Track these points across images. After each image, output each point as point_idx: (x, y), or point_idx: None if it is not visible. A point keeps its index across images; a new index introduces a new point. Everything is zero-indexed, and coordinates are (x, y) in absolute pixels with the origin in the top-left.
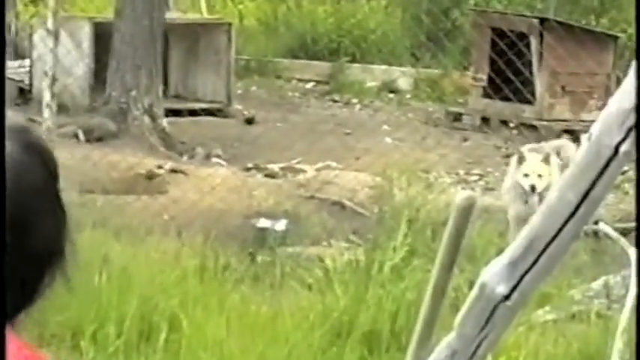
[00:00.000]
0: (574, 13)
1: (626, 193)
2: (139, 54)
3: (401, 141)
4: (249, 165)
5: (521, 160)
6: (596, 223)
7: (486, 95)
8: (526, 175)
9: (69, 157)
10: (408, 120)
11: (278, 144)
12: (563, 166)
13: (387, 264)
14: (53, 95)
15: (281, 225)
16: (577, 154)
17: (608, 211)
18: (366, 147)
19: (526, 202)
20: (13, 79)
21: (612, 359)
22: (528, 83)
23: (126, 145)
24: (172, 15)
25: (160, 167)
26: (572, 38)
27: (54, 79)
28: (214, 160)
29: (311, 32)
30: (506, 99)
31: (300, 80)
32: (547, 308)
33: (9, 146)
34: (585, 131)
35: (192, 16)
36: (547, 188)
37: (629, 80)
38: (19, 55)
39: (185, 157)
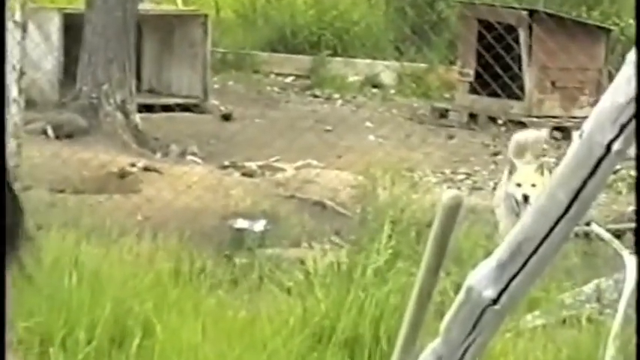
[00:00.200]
0: (564, 5)
1: (619, 192)
2: (111, 47)
3: (384, 138)
4: (226, 163)
5: (512, 169)
6: (587, 224)
7: (473, 91)
8: (518, 185)
9: (37, 154)
10: (392, 116)
11: (256, 141)
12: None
13: (369, 267)
14: (21, 90)
15: (259, 226)
16: (568, 151)
17: (600, 211)
18: (349, 144)
19: (518, 214)
20: None
21: None
22: (517, 78)
23: (97, 142)
24: (146, 6)
25: (132, 165)
26: (562, 31)
27: (21, 74)
28: (189, 157)
29: (290, 24)
30: (494, 95)
31: (279, 75)
32: (536, 313)
33: None
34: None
35: (166, 8)
36: None
37: (622, 75)
38: None
39: (159, 155)
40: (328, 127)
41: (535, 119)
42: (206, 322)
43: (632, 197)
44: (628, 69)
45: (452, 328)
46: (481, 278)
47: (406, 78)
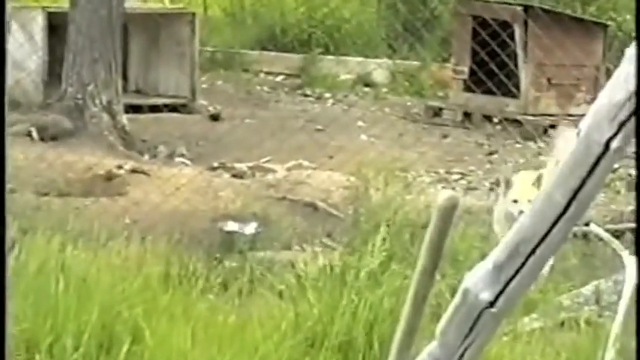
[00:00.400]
0: (560, 1)
1: (618, 192)
2: (97, 46)
3: (377, 138)
4: (216, 164)
5: (508, 184)
6: (586, 224)
7: (468, 89)
8: (515, 202)
9: (22, 157)
10: (385, 115)
11: (246, 142)
12: None
13: (363, 269)
14: None
15: (250, 228)
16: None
17: (598, 211)
18: (340, 144)
19: None
20: None
21: None
22: (512, 76)
23: (83, 144)
24: (132, 4)
25: (119, 167)
26: (558, 27)
27: None
28: (178, 159)
29: (280, 22)
30: (488, 92)
31: (269, 73)
32: (533, 315)
33: None
34: (573, 126)
35: (153, 6)
36: None
37: (621, 71)
38: None
39: (147, 157)
40: (319, 127)
41: (531, 117)
42: (196, 327)
43: (631, 197)
44: (626, 65)
45: (448, 331)
46: (477, 280)
47: (399, 76)
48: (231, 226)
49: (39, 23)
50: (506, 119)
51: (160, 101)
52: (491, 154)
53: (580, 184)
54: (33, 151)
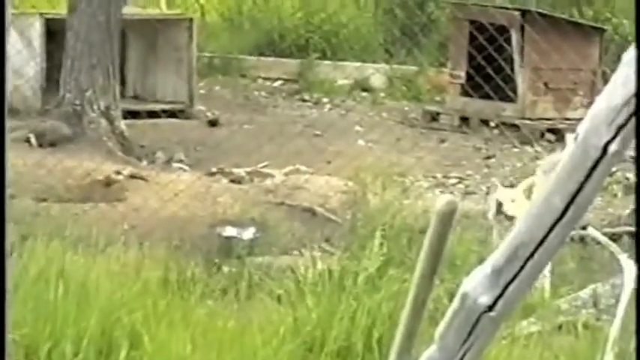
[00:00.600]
0: (557, 5)
1: (615, 195)
2: (95, 52)
3: (375, 143)
4: (214, 170)
5: (499, 208)
6: (583, 228)
7: (465, 93)
8: (500, 205)
9: (21, 163)
10: (382, 120)
11: (244, 147)
12: None
13: (361, 274)
14: None
15: (248, 233)
16: (563, 154)
17: (595, 215)
18: (338, 149)
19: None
20: None
21: None
22: (509, 80)
23: (81, 149)
24: (130, 10)
25: (118, 173)
26: (555, 31)
27: None
28: (176, 164)
29: (278, 28)
30: (486, 97)
31: (266, 79)
32: (531, 319)
33: None
34: (570, 130)
35: (151, 12)
36: None
37: (618, 75)
38: None
39: (145, 162)
40: (317, 132)
41: (528, 121)
42: (195, 333)
43: (628, 200)
44: (624, 69)
45: (447, 335)
46: (476, 285)
47: (396, 81)
48: (230, 231)
49: (37, 29)
50: (504, 123)
51: (157, 107)
52: (488, 158)
53: (578, 188)
54: (32, 157)
